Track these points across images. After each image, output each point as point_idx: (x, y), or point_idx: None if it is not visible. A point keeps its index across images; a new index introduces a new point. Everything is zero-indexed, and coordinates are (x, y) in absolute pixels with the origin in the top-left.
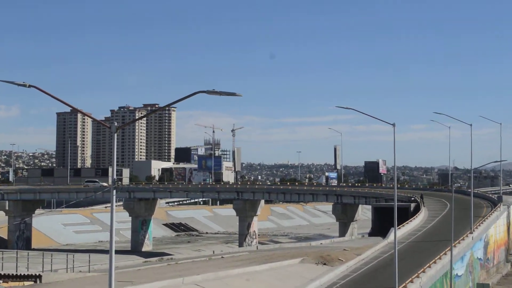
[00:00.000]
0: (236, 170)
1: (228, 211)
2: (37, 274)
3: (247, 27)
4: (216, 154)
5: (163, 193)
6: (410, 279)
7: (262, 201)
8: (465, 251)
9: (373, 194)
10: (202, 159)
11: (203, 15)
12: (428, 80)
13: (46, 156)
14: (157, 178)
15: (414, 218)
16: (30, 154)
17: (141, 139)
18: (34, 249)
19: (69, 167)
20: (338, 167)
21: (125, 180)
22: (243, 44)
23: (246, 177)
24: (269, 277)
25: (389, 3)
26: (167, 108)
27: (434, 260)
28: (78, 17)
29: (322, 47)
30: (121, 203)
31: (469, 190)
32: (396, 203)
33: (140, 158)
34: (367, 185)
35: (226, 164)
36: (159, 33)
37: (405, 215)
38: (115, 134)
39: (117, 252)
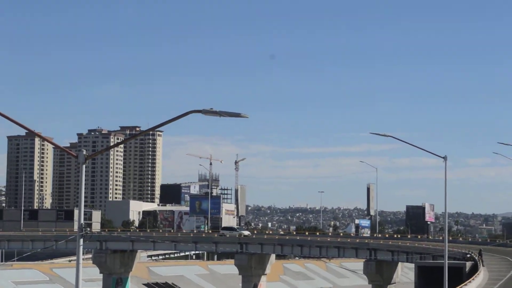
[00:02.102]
0: (240, 214)
1: (228, 268)
2: None
3: (253, 33)
4: (214, 194)
5: (145, 244)
6: None
7: (273, 256)
8: None
9: (417, 249)
10: (196, 199)
11: (203, 14)
12: (488, 106)
13: None
14: (136, 223)
15: (470, 281)
16: None
17: (117, 172)
18: None
19: (22, 208)
20: (372, 212)
21: (96, 226)
22: (249, 52)
23: (253, 224)
24: None
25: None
26: (151, 133)
27: None
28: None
29: (352, 63)
30: (90, 255)
31: None
32: (447, 261)
33: (116, 198)
34: (409, 236)
35: (227, 206)
36: (141, 37)
37: (459, 276)
38: (84, 166)
39: None
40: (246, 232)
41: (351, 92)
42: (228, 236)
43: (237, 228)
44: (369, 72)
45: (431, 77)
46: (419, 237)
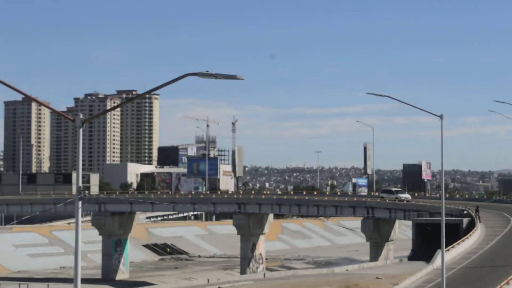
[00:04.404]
0: (237, 175)
1: (226, 228)
2: None
3: None
4: (211, 155)
5: (143, 206)
6: None
7: (271, 216)
8: None
9: (414, 207)
10: (193, 161)
11: None
12: (485, 61)
13: None
14: (135, 186)
15: (467, 238)
16: None
17: (114, 135)
18: None
19: (21, 172)
20: (369, 171)
21: (94, 189)
22: (245, 13)
23: (250, 184)
24: None
25: None
26: (147, 96)
27: None
28: None
29: (349, 17)
30: (89, 218)
31: None
32: (444, 218)
33: (113, 161)
34: None
35: (224, 168)
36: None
37: (456, 233)
38: (81, 129)
39: (84, 281)
40: (404, 196)
41: (346, 51)
42: (387, 200)
43: (395, 190)
44: (364, 28)
45: (429, 35)
46: (416, 194)
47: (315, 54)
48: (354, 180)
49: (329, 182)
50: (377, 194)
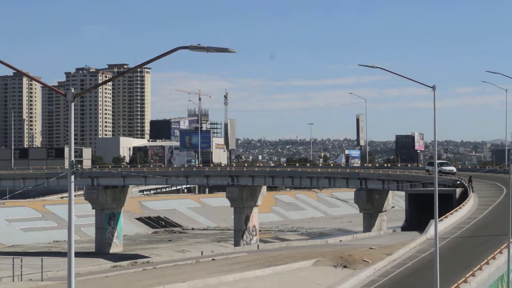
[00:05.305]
0: (230, 148)
1: (220, 201)
2: None
3: None
4: (204, 128)
5: (136, 179)
6: (456, 284)
7: (264, 188)
8: None
9: (407, 177)
10: (186, 134)
11: None
12: (478, 29)
13: None
14: (127, 159)
15: (460, 208)
16: None
17: (106, 110)
18: None
19: (12, 147)
20: (362, 143)
21: (86, 163)
22: None
23: (243, 157)
24: (273, 284)
25: None
26: (139, 70)
27: (486, 260)
28: None
29: None
30: (82, 192)
31: None
32: (437, 188)
33: (105, 135)
34: (399, 165)
35: (217, 140)
36: None
37: (449, 203)
38: (72, 104)
39: (77, 254)
40: (448, 168)
41: (338, 22)
42: (430, 174)
43: (440, 163)
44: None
45: (421, 3)
46: (409, 165)
47: (305, 26)
48: (347, 151)
49: (322, 154)
50: (369, 165)
